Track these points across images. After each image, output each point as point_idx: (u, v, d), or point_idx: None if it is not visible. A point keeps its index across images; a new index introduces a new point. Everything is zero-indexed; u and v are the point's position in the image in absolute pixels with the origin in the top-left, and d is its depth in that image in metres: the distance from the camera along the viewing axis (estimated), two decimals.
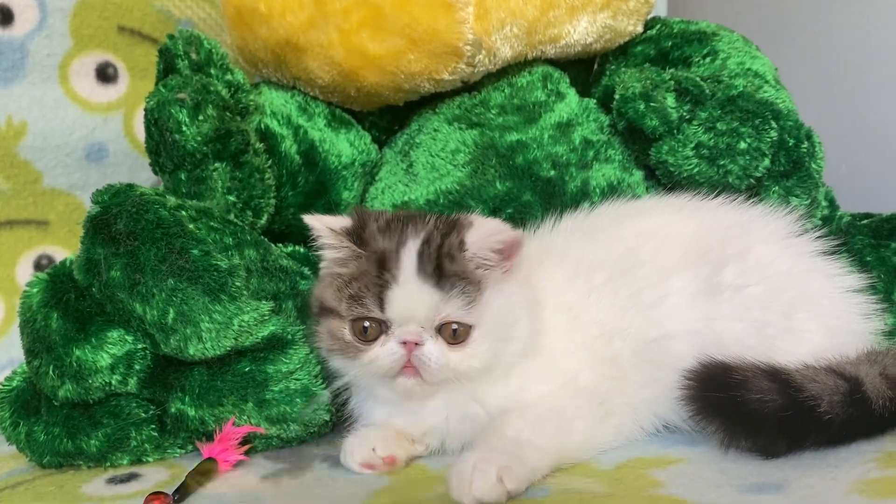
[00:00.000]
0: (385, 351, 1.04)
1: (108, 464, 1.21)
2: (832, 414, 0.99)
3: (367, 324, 1.05)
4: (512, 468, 0.96)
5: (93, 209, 1.19)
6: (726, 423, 1.01)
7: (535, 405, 1.08)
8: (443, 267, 1.04)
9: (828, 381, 1.01)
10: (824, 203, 1.49)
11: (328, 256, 1.11)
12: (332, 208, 1.52)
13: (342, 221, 1.11)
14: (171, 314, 1.14)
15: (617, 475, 1.01)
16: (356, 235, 1.09)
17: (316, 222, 1.10)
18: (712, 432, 1.03)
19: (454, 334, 1.04)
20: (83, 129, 1.75)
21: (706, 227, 1.22)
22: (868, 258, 1.40)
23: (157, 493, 1.01)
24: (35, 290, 1.22)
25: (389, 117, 1.65)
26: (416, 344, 1.03)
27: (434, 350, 1.03)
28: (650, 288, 1.15)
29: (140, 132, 1.76)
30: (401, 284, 1.03)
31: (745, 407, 0.99)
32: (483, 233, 1.06)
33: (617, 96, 1.46)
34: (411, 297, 1.03)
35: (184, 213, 1.18)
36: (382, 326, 1.05)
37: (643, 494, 0.94)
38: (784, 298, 1.14)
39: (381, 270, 1.04)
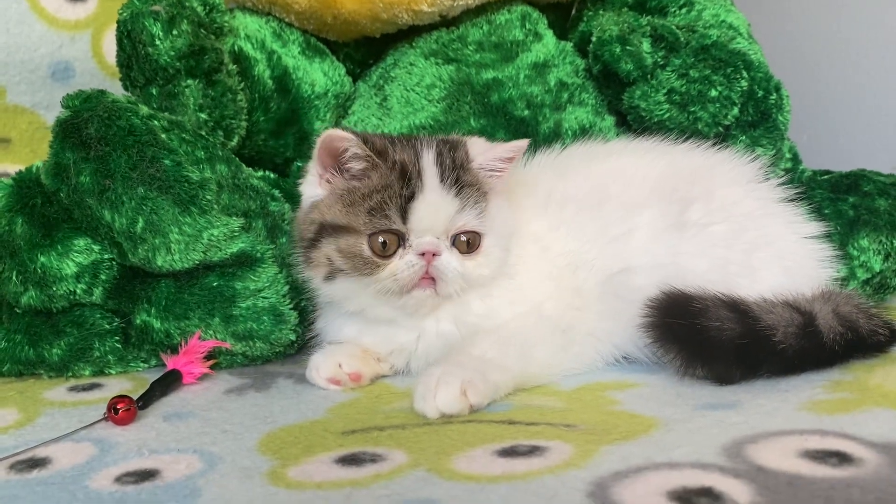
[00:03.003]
0: (404, 263, 1.04)
1: (70, 374, 1.21)
2: (786, 344, 1.02)
3: (383, 238, 1.04)
4: (475, 383, 0.98)
5: (63, 113, 1.17)
6: (684, 349, 1.04)
7: (501, 328, 1.11)
8: (460, 177, 1.06)
9: (784, 314, 1.05)
10: (788, 156, 1.53)
11: (352, 170, 1.06)
12: (303, 137, 1.52)
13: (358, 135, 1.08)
14: (140, 223, 1.13)
15: (576, 395, 1.04)
16: (371, 146, 1.07)
17: (346, 133, 1.06)
18: (670, 360, 1.06)
19: (468, 244, 1.07)
20: (49, 45, 1.71)
21: (674, 167, 1.24)
22: (826, 211, 1.44)
23: (121, 397, 1.01)
24: (0, 194, 1.20)
25: (365, 50, 1.64)
26: (434, 255, 1.04)
27: (452, 259, 1.06)
28: (617, 222, 1.18)
29: (109, 53, 1.73)
30: (425, 193, 1.04)
31: (703, 334, 1.02)
32: (484, 145, 1.10)
33: (594, 39, 1.47)
34: (435, 206, 1.04)
35: (156, 122, 1.17)
36: (399, 240, 1.05)
37: (601, 410, 0.97)
38: (746, 238, 1.17)
39: (404, 181, 1.04)
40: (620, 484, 0.74)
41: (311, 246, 1.09)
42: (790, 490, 0.70)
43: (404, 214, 1.04)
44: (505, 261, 1.11)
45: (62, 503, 0.79)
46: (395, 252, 1.05)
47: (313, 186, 1.12)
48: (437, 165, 1.06)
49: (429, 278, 1.05)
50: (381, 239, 1.04)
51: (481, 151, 1.10)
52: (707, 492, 0.71)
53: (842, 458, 0.76)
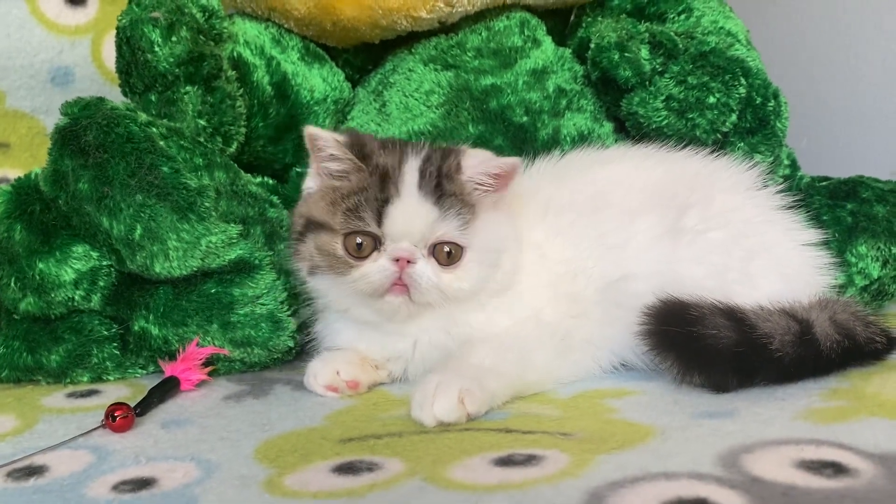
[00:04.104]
0: (376, 267, 1.04)
1: (68, 380, 1.21)
2: (783, 352, 1.03)
3: (360, 239, 1.05)
4: (473, 391, 0.98)
5: (62, 120, 1.18)
6: (681, 357, 1.04)
7: (499, 336, 1.11)
8: (442, 186, 1.05)
9: (780, 322, 1.05)
10: (786, 162, 1.53)
11: (329, 169, 1.09)
12: (302, 143, 1.50)
13: (343, 136, 1.11)
14: (139, 230, 1.13)
15: (573, 403, 1.04)
16: (356, 149, 1.08)
17: (321, 132, 1.09)
18: (667, 367, 1.06)
19: (448, 256, 1.05)
20: (49, 51, 1.71)
21: (672, 174, 1.24)
22: (824, 217, 1.44)
23: (119, 404, 1.01)
24: None
25: (363, 56, 1.65)
26: (408, 262, 1.04)
27: (426, 269, 1.04)
28: (615, 230, 1.18)
29: (109, 58, 1.73)
30: (402, 199, 1.04)
31: (700, 342, 1.02)
32: (480, 158, 1.08)
33: (592, 45, 1.47)
34: (410, 213, 1.03)
35: (154, 129, 1.17)
36: (376, 243, 1.05)
37: (598, 418, 0.97)
38: (744, 245, 1.17)
39: (383, 184, 1.04)
40: (616, 494, 0.74)
41: (299, 238, 1.11)
42: (785, 501, 0.70)
43: (380, 218, 1.04)
44: (489, 277, 1.08)
45: None
46: (369, 255, 1.05)
47: (311, 178, 1.14)
48: (418, 172, 1.05)
49: (402, 285, 1.04)
50: (358, 240, 1.04)
51: (472, 164, 1.08)
52: (702, 502, 0.71)
53: (837, 469, 0.76)
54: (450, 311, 1.08)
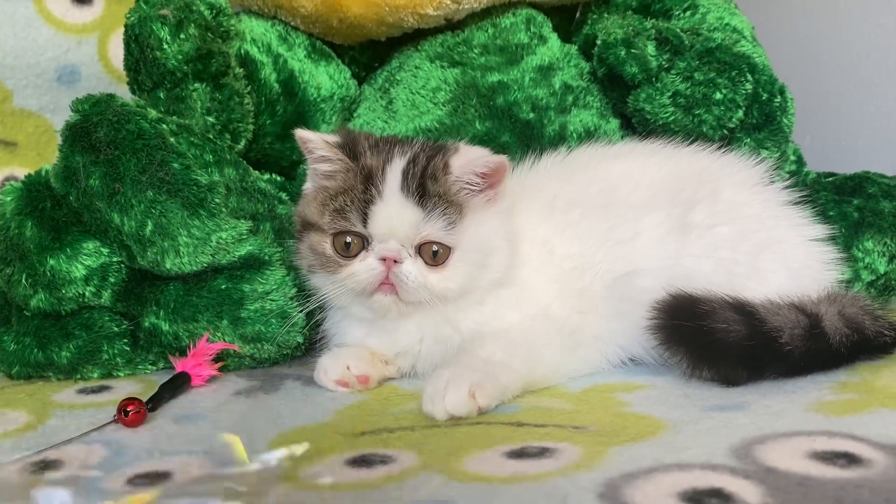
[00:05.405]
0: (364, 266, 1.06)
1: (79, 376, 1.21)
2: (792, 346, 1.03)
3: (349, 239, 1.06)
4: (484, 385, 0.99)
5: (72, 117, 1.18)
6: (691, 351, 1.04)
7: (508, 331, 1.11)
8: (426, 186, 1.05)
9: (790, 316, 1.06)
10: (792, 158, 1.53)
11: (319, 170, 1.11)
12: None
13: (336, 137, 1.12)
14: (150, 226, 1.13)
15: (584, 397, 1.04)
16: (348, 150, 1.10)
17: (310, 134, 1.12)
18: (677, 361, 1.06)
19: (434, 256, 1.06)
20: (56, 49, 1.72)
21: (680, 169, 1.25)
22: (831, 213, 1.45)
23: (131, 399, 1.01)
24: (9, 197, 1.20)
25: (370, 53, 1.65)
26: (395, 261, 1.05)
27: (412, 268, 1.05)
28: (623, 225, 1.18)
29: (115, 57, 1.74)
30: (384, 199, 1.05)
31: (710, 336, 1.03)
32: (468, 157, 1.08)
33: (599, 42, 1.48)
34: (393, 213, 1.04)
35: (165, 126, 1.18)
36: (364, 242, 1.06)
37: (609, 411, 0.97)
38: (752, 240, 1.17)
39: (367, 185, 1.06)
40: (631, 485, 0.74)
41: (298, 238, 1.13)
42: (801, 491, 0.71)
43: (365, 218, 1.05)
44: (478, 277, 1.08)
45: None
46: (358, 254, 1.06)
47: (308, 179, 1.15)
48: (401, 172, 1.06)
49: (390, 284, 1.05)
50: (347, 239, 1.06)
51: (459, 164, 1.07)
52: (717, 493, 0.71)
53: (850, 460, 0.76)
54: (449, 307, 1.09)
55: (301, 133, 1.11)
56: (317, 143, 1.10)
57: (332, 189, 1.09)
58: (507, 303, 1.13)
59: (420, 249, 1.06)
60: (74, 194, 1.16)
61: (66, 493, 0.77)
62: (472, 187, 1.08)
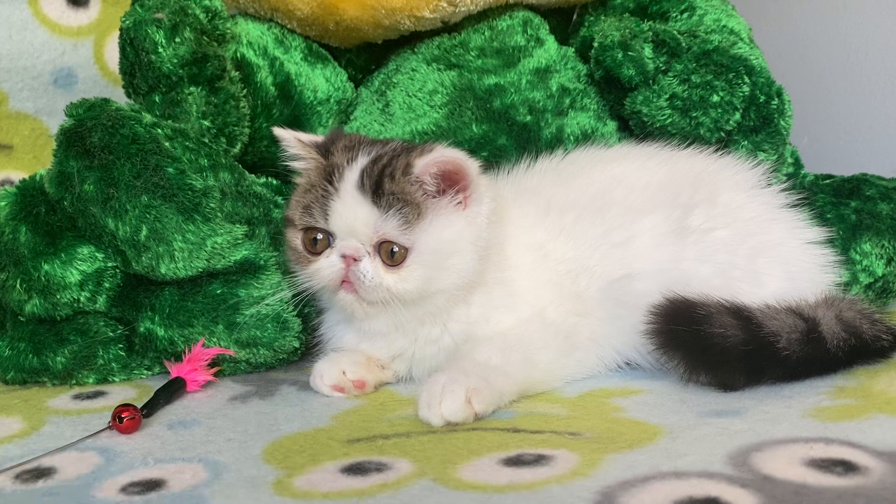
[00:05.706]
0: (327, 263, 1.07)
1: (74, 381, 1.21)
2: (790, 350, 1.03)
3: (318, 236, 1.08)
4: (480, 390, 0.98)
5: (67, 122, 1.17)
6: (688, 356, 1.04)
7: (503, 335, 1.11)
8: (382, 185, 1.05)
9: (787, 320, 1.05)
10: (790, 160, 1.52)
11: (297, 167, 1.15)
12: None
13: (314, 137, 1.15)
14: (144, 231, 1.13)
15: (580, 402, 1.04)
16: (323, 148, 1.12)
17: (284, 132, 1.14)
18: (674, 366, 1.06)
19: (392, 255, 1.05)
20: (51, 52, 1.71)
21: (677, 172, 1.24)
22: (828, 215, 1.44)
23: (125, 406, 1.01)
24: (3, 203, 1.20)
25: (366, 56, 1.64)
26: (355, 259, 1.05)
27: (369, 267, 1.05)
28: (619, 228, 1.18)
29: (111, 60, 1.73)
30: (341, 196, 1.06)
31: (707, 341, 1.02)
32: (427, 159, 1.05)
33: (596, 44, 1.47)
34: (348, 210, 1.05)
35: (159, 130, 1.17)
36: (330, 240, 1.07)
37: (606, 417, 0.97)
38: (749, 243, 1.17)
39: (329, 182, 1.07)
40: (627, 493, 0.74)
41: (284, 233, 1.15)
42: (797, 499, 0.70)
43: (326, 214, 1.06)
44: (436, 279, 1.06)
45: None
46: (323, 251, 1.08)
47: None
48: (360, 170, 1.06)
49: (350, 282, 1.06)
50: (316, 236, 1.08)
51: (419, 164, 1.05)
52: (714, 502, 0.71)
53: (847, 467, 0.76)
54: (419, 309, 1.08)
55: (277, 131, 1.14)
56: (290, 140, 1.13)
57: (304, 186, 1.11)
58: (496, 304, 1.13)
59: (380, 249, 1.06)
60: (69, 199, 1.16)
61: None
62: (429, 188, 1.06)
